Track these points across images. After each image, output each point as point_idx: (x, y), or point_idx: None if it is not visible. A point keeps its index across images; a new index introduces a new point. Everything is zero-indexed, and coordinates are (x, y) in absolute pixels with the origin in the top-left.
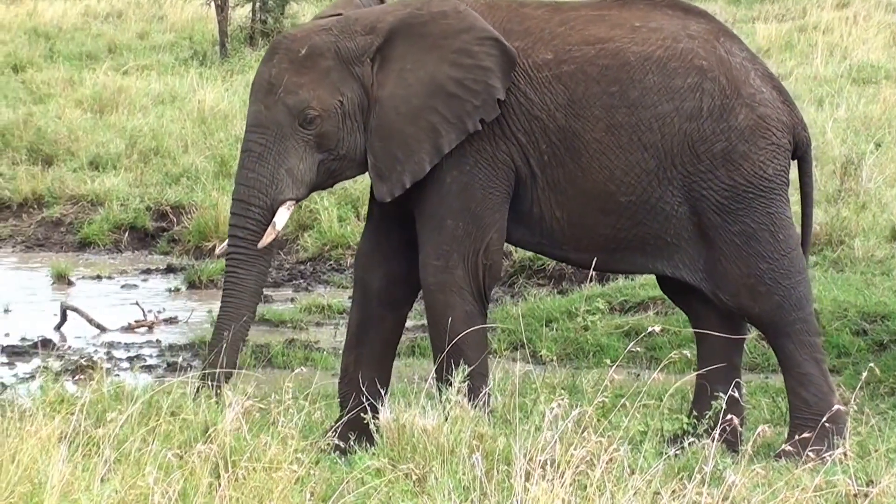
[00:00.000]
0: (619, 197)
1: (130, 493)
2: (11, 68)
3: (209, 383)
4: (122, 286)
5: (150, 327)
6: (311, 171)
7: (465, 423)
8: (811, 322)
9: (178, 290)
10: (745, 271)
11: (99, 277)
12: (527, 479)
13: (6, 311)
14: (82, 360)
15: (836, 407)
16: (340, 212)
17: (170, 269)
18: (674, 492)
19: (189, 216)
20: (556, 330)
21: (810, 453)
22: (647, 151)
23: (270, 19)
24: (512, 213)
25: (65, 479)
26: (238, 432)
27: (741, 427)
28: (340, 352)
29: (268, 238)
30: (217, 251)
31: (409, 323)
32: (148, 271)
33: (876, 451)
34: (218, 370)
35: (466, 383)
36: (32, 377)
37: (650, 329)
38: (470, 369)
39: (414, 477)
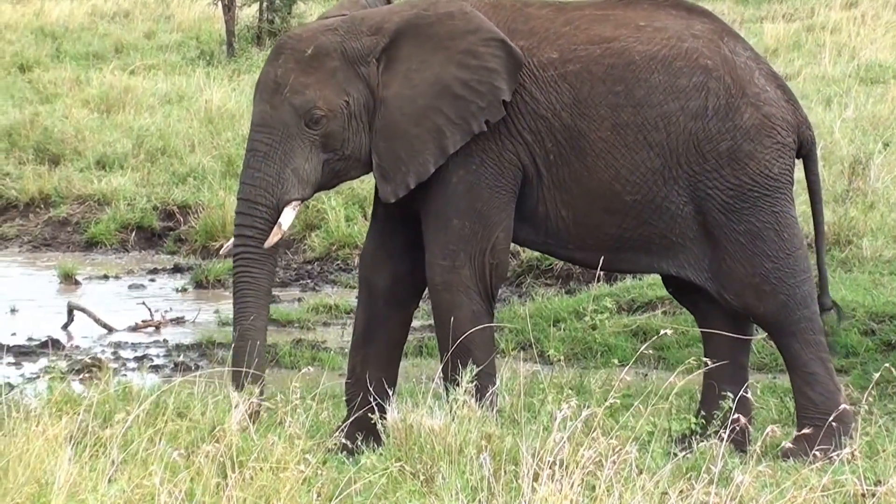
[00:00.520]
0: (625, 196)
1: (137, 494)
2: (18, 68)
3: (240, 386)
4: (129, 286)
5: (157, 327)
6: (317, 171)
7: (472, 423)
8: (816, 321)
9: (185, 289)
10: (750, 270)
11: (106, 277)
12: (535, 480)
13: (13, 310)
14: (89, 360)
15: (842, 406)
16: (348, 211)
17: (177, 269)
18: (682, 492)
19: (196, 216)
20: (564, 330)
21: (817, 452)
22: (652, 150)
23: (277, 19)
24: (517, 213)
25: (71, 480)
26: (245, 432)
27: (749, 427)
28: (347, 352)
29: (274, 238)
30: (223, 251)
31: (416, 323)
32: (155, 271)
33: (884, 450)
34: (244, 369)
35: (474, 383)
36: (39, 377)
37: (663, 332)
38: (478, 370)
39: (421, 477)
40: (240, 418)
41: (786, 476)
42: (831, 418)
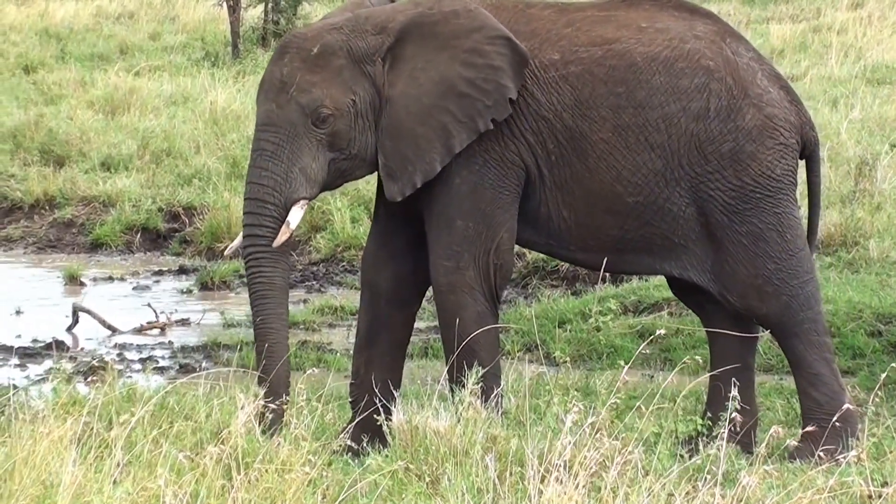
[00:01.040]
0: (627, 198)
1: (142, 495)
2: (23, 69)
3: (267, 387)
4: (134, 287)
5: (163, 329)
6: (324, 170)
7: (478, 424)
8: (820, 321)
9: (190, 291)
10: (753, 272)
11: (111, 279)
12: (541, 482)
13: (18, 312)
14: (94, 362)
15: (846, 406)
16: (353, 213)
17: (182, 271)
18: (688, 493)
19: (201, 217)
20: (570, 331)
21: (821, 453)
22: (653, 152)
23: (283, 20)
24: (520, 214)
25: (77, 481)
26: (251, 433)
27: (755, 429)
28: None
29: (282, 237)
30: (227, 251)
31: (421, 324)
32: (160, 272)
33: (891, 452)
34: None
35: (479, 385)
36: (44, 379)
37: (659, 332)
38: (484, 371)
39: (427, 479)
40: (245, 420)
41: (792, 477)
42: (835, 418)
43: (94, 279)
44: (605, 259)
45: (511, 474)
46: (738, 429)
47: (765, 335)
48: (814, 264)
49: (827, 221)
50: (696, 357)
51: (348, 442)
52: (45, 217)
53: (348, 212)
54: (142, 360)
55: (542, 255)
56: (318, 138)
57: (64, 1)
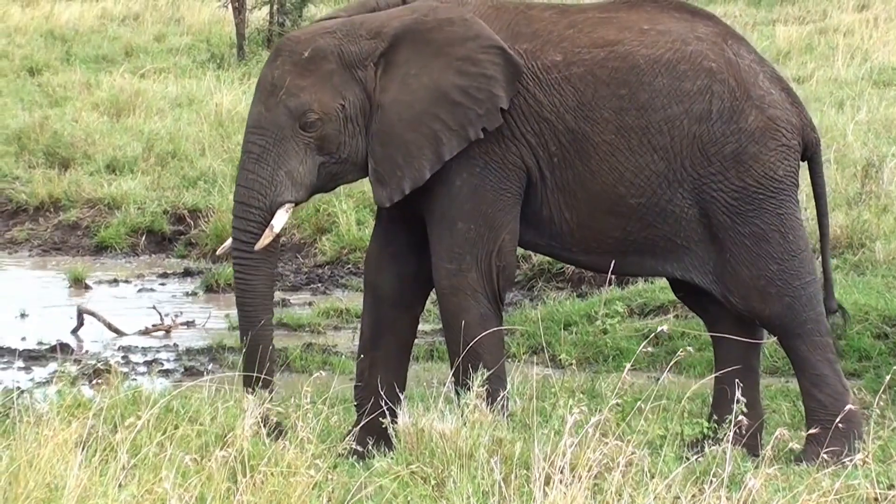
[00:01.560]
0: (629, 199)
1: (147, 499)
2: (28, 71)
3: (252, 391)
4: (139, 290)
5: (168, 331)
6: (312, 173)
7: (483, 427)
8: (822, 322)
9: (195, 293)
10: (755, 273)
11: (116, 281)
12: (546, 484)
13: (23, 315)
14: (99, 365)
15: (850, 407)
16: (358, 215)
17: (187, 273)
18: (693, 496)
19: (206, 219)
20: (576, 333)
21: (827, 455)
22: (656, 154)
23: (288, 22)
24: (521, 216)
25: (82, 485)
26: (257, 436)
27: (761, 431)
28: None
29: (265, 240)
30: (219, 251)
31: (427, 327)
32: (165, 275)
33: None
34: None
35: (485, 387)
36: (49, 381)
37: (660, 329)
38: (489, 373)
39: (432, 481)
40: (251, 423)
41: (798, 480)
42: (838, 419)
43: (99, 281)
44: (610, 261)
45: (516, 477)
46: (744, 431)
47: (770, 339)
48: (815, 266)
49: (833, 223)
50: (689, 348)
51: (354, 445)
52: (50, 219)
53: (354, 214)
54: (147, 363)
55: (547, 258)
56: (305, 142)
57: (69, 3)
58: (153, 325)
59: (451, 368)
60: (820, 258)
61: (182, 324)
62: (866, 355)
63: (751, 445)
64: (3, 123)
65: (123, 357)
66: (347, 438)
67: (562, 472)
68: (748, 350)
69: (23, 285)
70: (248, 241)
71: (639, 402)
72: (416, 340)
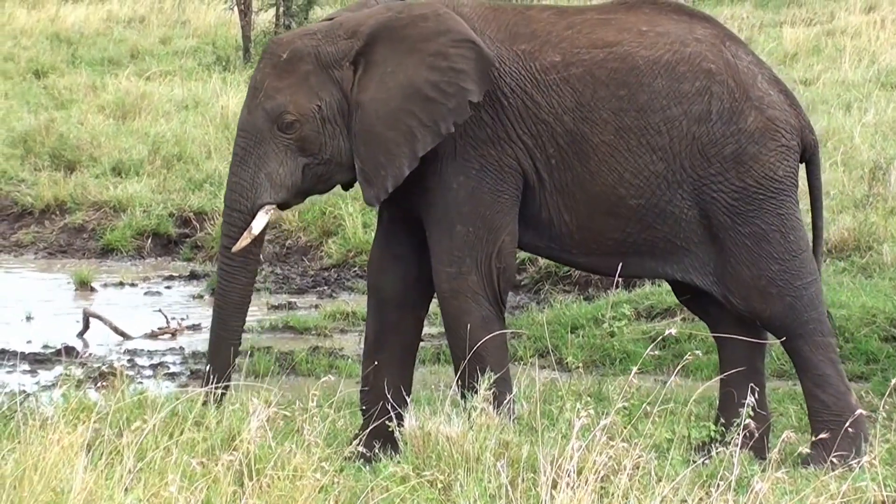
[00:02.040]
0: (629, 200)
1: (153, 502)
2: (33, 74)
3: (210, 394)
4: (145, 293)
5: (174, 334)
6: (294, 175)
7: (490, 430)
8: (824, 322)
9: (201, 296)
10: (756, 273)
11: (122, 284)
12: (553, 488)
13: (28, 318)
14: (105, 368)
15: (858, 411)
16: (365, 218)
17: (193, 276)
18: (700, 499)
19: (212, 222)
20: (583, 336)
21: (835, 459)
22: (655, 155)
23: (294, 24)
24: (520, 218)
25: (87, 488)
26: (262, 440)
27: (767, 434)
28: None
29: (243, 242)
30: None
31: (433, 330)
32: (171, 278)
33: None
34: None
35: (491, 390)
36: (55, 385)
37: (668, 331)
38: (496, 377)
39: (439, 485)
40: (257, 426)
41: (805, 483)
42: (847, 424)
43: (105, 284)
44: (610, 263)
45: (523, 480)
46: (752, 434)
47: (776, 341)
48: (816, 266)
49: (840, 226)
50: (697, 351)
51: (360, 449)
52: (56, 222)
53: (360, 217)
54: (153, 366)
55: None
56: (285, 144)
57: (75, 5)
58: (159, 329)
59: (455, 372)
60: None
61: (188, 327)
62: (874, 358)
63: (758, 448)
64: (8, 126)
65: (129, 360)
66: (354, 442)
67: (569, 476)
68: (752, 352)
69: (28, 288)
70: (228, 246)
71: (644, 405)
72: (422, 344)
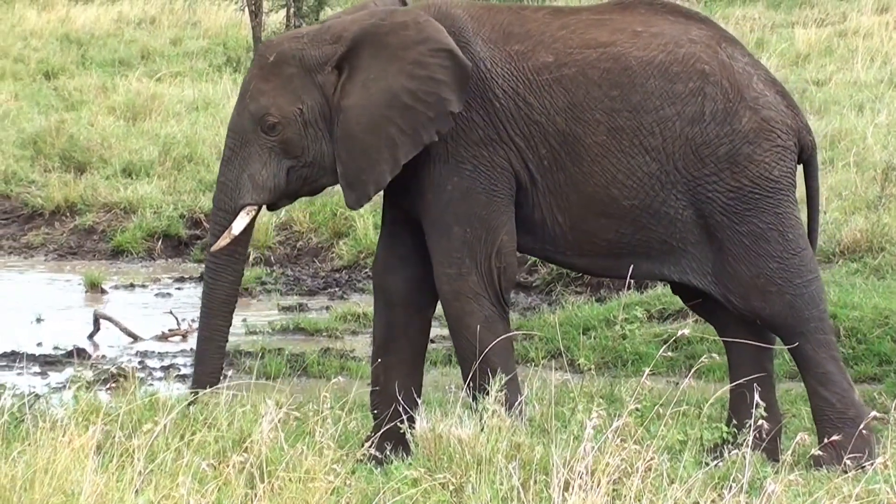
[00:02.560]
0: (622, 201)
1: None
2: (44, 75)
3: (196, 391)
4: (156, 294)
5: (184, 336)
6: (278, 177)
7: (501, 432)
8: (826, 320)
9: None
10: (755, 272)
11: (132, 286)
12: (565, 489)
13: (39, 319)
14: (115, 370)
15: (872, 413)
16: (376, 219)
17: (204, 278)
18: (713, 501)
19: None
20: (594, 338)
21: (848, 460)
22: (648, 155)
23: (305, 25)
24: (515, 219)
25: (98, 490)
26: (274, 442)
27: (779, 435)
28: None
29: (222, 242)
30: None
31: (444, 332)
32: (182, 279)
33: None
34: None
35: (503, 392)
36: (65, 387)
37: (680, 332)
38: (507, 378)
39: (451, 487)
40: (269, 428)
41: (818, 485)
42: (862, 426)
43: (116, 286)
44: (604, 264)
45: (535, 482)
46: (764, 436)
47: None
48: (817, 264)
49: (853, 227)
50: (714, 355)
51: (372, 451)
52: (66, 224)
53: (371, 218)
54: (163, 368)
55: None
56: (269, 145)
57: (85, 6)
58: (170, 330)
59: (462, 373)
60: None
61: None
62: (886, 359)
63: (770, 450)
64: (19, 127)
65: (140, 362)
66: (366, 444)
67: (581, 478)
68: (761, 353)
69: (39, 290)
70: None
71: (657, 407)
72: (432, 345)
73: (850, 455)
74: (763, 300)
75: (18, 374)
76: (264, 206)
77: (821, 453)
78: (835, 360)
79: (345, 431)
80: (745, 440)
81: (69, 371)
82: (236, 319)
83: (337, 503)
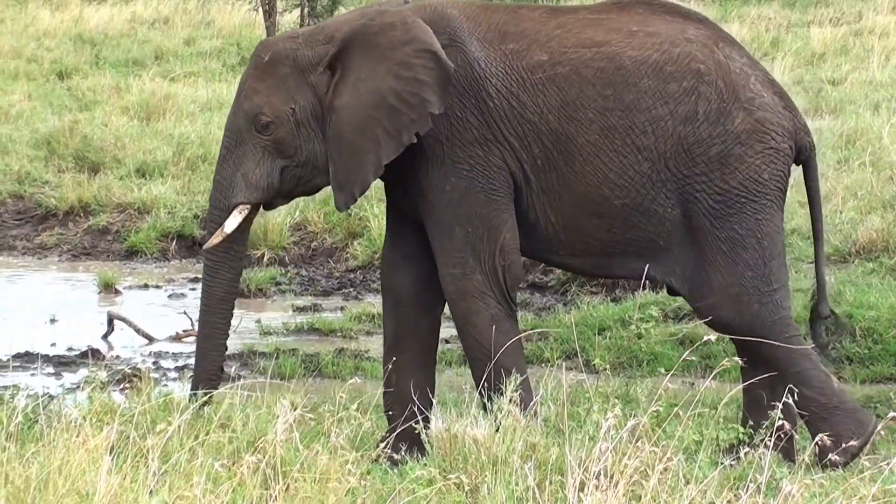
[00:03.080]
0: (613, 200)
1: None
2: (57, 75)
3: (197, 389)
4: (170, 295)
5: None
6: (271, 176)
7: (517, 432)
8: (789, 321)
9: None
10: (730, 280)
11: (146, 286)
12: (581, 490)
13: (53, 320)
14: (129, 371)
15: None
16: None
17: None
18: (729, 502)
19: None
20: (610, 338)
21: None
22: (640, 154)
23: None
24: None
25: (112, 491)
26: (289, 442)
27: (795, 436)
28: None
29: (214, 240)
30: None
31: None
32: (196, 280)
33: None
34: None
35: (517, 392)
36: (79, 387)
37: (706, 338)
38: (522, 380)
39: (466, 487)
40: (283, 429)
41: (834, 485)
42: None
43: (130, 287)
44: (596, 263)
45: (551, 483)
46: (782, 436)
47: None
48: (787, 275)
49: (869, 227)
50: (736, 358)
51: (387, 451)
52: (80, 224)
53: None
54: (178, 369)
55: None
56: (263, 144)
57: (98, 6)
58: (184, 331)
59: (472, 373)
60: (814, 264)
61: None
62: None
63: (785, 450)
64: (32, 128)
65: (154, 363)
66: (381, 445)
67: (597, 478)
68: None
69: (52, 291)
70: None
71: (675, 409)
72: (447, 345)
73: (848, 440)
74: (735, 309)
75: (32, 374)
76: (261, 206)
77: (832, 456)
78: (805, 354)
79: (359, 432)
80: (761, 440)
81: (83, 372)
82: (249, 319)
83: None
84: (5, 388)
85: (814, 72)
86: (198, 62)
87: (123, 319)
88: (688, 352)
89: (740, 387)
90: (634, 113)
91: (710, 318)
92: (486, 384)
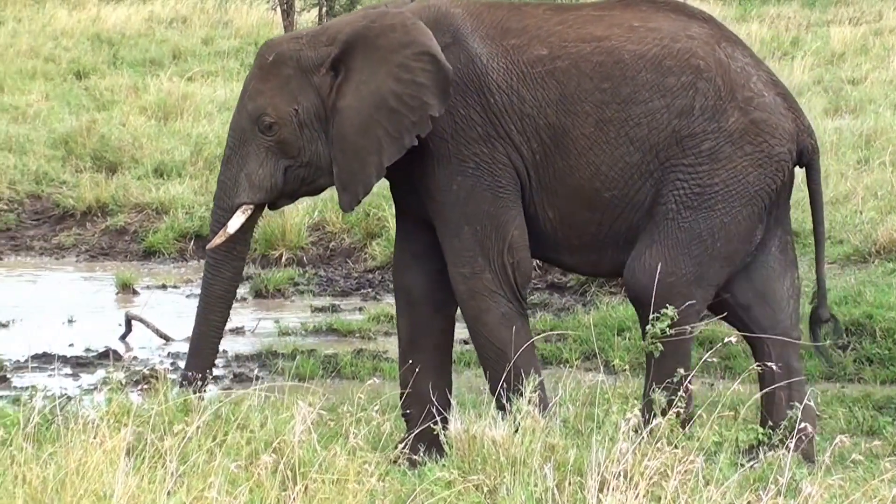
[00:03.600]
0: (603, 192)
1: None
2: (75, 75)
3: (187, 385)
4: (188, 296)
5: None
6: (275, 176)
7: (536, 433)
8: (695, 319)
9: (244, 299)
10: (672, 269)
11: (164, 287)
12: (600, 491)
13: (70, 320)
14: (147, 371)
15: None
16: None
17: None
18: (749, 503)
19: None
20: (629, 339)
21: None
22: (632, 146)
23: None
24: None
25: (130, 492)
26: (307, 443)
27: (815, 436)
28: None
29: (217, 240)
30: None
31: None
32: None
33: None
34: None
35: (535, 393)
36: (97, 388)
37: (727, 339)
38: (539, 381)
39: (485, 489)
40: (301, 430)
41: (855, 487)
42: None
43: (148, 287)
44: (591, 259)
45: (570, 484)
46: (803, 437)
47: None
48: (722, 279)
49: (889, 226)
50: (769, 364)
51: (406, 452)
52: (98, 224)
53: None
54: None
55: None
56: (266, 145)
57: (116, 6)
58: None
59: (485, 372)
60: (815, 267)
61: (230, 330)
62: None
63: (805, 451)
64: (50, 127)
65: (172, 363)
66: (400, 446)
67: (616, 479)
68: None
69: (70, 291)
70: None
71: (699, 411)
72: (466, 347)
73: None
74: (666, 297)
75: (50, 375)
76: (265, 206)
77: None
78: (682, 353)
79: (378, 433)
80: (784, 440)
81: (101, 372)
82: (268, 320)
83: None
84: (23, 388)
85: (834, 71)
86: (215, 62)
87: (141, 320)
88: (708, 353)
89: (761, 393)
90: (630, 105)
91: (629, 283)
92: (498, 383)
